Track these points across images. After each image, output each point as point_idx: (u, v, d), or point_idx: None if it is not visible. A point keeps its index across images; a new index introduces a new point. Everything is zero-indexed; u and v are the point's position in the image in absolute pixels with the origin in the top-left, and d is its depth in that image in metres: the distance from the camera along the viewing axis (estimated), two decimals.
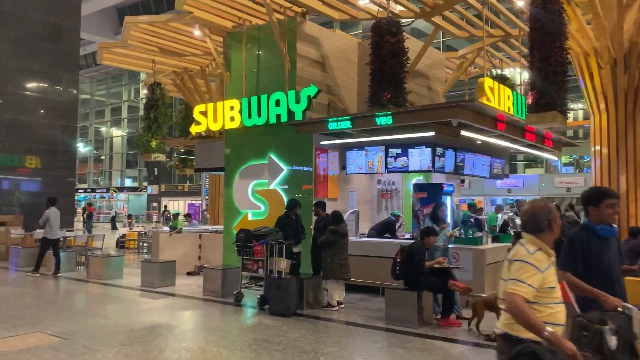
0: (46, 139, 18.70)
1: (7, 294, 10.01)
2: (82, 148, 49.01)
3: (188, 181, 39.60)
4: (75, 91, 20.44)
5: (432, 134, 8.88)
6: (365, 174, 10.64)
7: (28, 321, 7.40)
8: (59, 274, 12.01)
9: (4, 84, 17.78)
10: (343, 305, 8.19)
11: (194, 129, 11.97)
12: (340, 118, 9.50)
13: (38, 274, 12.05)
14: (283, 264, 7.81)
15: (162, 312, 8.35)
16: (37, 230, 12.91)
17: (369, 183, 11.70)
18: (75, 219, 24.64)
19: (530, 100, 8.18)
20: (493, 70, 14.01)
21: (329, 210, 8.86)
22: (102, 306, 8.85)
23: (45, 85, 19.08)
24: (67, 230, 15.56)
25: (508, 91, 9.63)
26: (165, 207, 35.65)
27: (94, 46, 38.90)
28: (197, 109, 11.77)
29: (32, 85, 18.67)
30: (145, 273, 10.58)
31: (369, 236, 10.32)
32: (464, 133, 9.24)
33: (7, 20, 17.88)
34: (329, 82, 11.10)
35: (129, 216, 29.67)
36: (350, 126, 9.31)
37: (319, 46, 11.01)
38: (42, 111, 18.87)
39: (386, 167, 10.00)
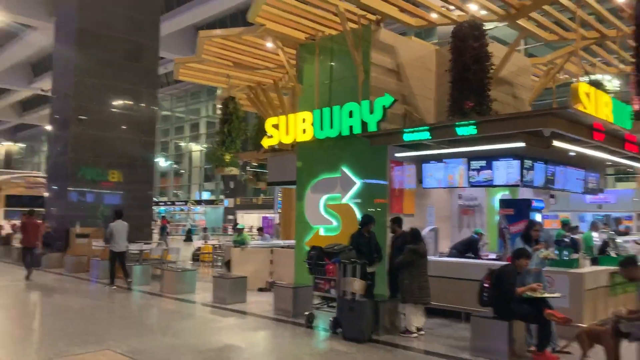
0: (127, 153, 19.29)
1: (83, 307, 10.16)
2: (163, 162, 50.99)
3: (262, 194, 40.01)
4: (155, 108, 21.06)
5: (522, 144, 8.07)
6: (444, 188, 9.95)
7: (99, 337, 7.33)
8: (131, 285, 12.17)
9: (89, 101, 18.57)
10: (423, 332, 7.53)
11: (265, 142, 11.78)
12: (417, 129, 8.89)
13: (115, 286, 12.26)
14: (357, 285, 7.29)
15: (231, 332, 8.07)
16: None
17: (449, 198, 10.96)
18: (154, 232, 25.40)
19: (636, 107, 7.21)
20: (586, 77, 12.87)
21: (405, 227, 8.29)
22: (172, 323, 8.70)
23: (127, 102, 19.75)
24: (144, 243, 15.89)
25: (606, 97, 8.63)
26: (235, 219, 36.13)
27: (173, 65, 40.44)
28: (269, 122, 11.57)
29: (114, 102, 19.38)
30: (216, 289, 10.42)
31: (449, 256, 9.59)
32: (556, 144, 8.37)
33: (92, 40, 18.71)
34: (404, 92, 10.54)
35: (205, 229, 30.19)
36: (429, 137, 8.68)
37: (394, 54, 10.50)
38: (123, 127, 19.51)
39: (468, 180, 9.26)
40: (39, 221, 15.22)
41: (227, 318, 9.06)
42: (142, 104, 20.15)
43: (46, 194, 20.04)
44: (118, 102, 19.45)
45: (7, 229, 22.67)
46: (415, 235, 7.62)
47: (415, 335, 7.42)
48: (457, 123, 8.44)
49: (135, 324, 8.53)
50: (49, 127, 21.51)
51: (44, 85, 42.87)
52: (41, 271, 15.84)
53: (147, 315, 9.67)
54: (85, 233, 16.91)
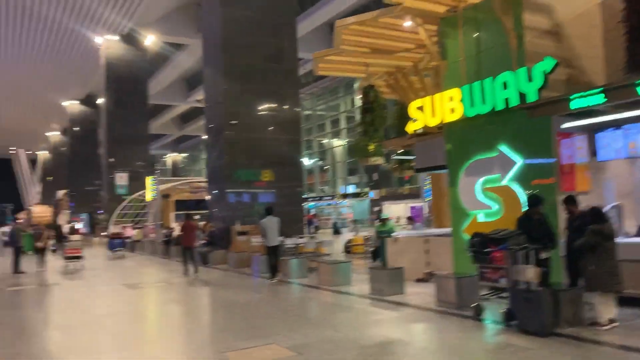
0: (276, 153, 20.07)
1: (247, 301, 10.57)
2: (308, 161, 52.66)
3: (407, 184, 39.36)
4: (297, 107, 21.62)
5: None
6: (625, 158, 8.60)
7: (264, 331, 7.45)
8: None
9: (238, 106, 19.60)
10: (616, 324, 6.50)
11: (410, 127, 11.26)
12: (588, 92, 7.74)
13: (275, 280, 12.66)
14: (531, 273, 6.50)
15: (393, 325, 7.74)
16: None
17: (631, 170, 9.48)
18: (307, 226, 26.23)
19: None
20: None
21: (581, 206, 7.27)
22: (332, 316, 8.63)
23: (272, 104, 20.53)
24: (298, 237, 16.31)
25: None
26: (379, 210, 35.84)
27: (310, 65, 41.41)
28: (413, 105, 11.02)
29: (261, 105, 20.24)
30: (373, 280, 10.17)
31: (639, 235, 8.27)
32: None
33: (236, 48, 19.73)
34: (566, 54, 9.30)
35: (355, 221, 30.41)
36: (604, 100, 7.50)
37: (551, 14, 9.33)
38: (270, 128, 20.31)
39: None
40: (198, 223, 16.36)
41: (387, 310, 8.76)
42: (286, 105, 20.80)
43: (208, 197, 21.60)
44: (264, 105, 20.28)
45: (177, 231, 24.86)
46: (597, 214, 6.61)
47: (606, 327, 6.42)
48: (638, 81, 7.18)
49: (297, 317, 8.60)
50: (205, 136, 23.18)
51: (198, 96, 46.78)
52: (208, 268, 17.03)
53: (307, 308, 9.75)
54: (244, 230, 17.86)
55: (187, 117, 65.38)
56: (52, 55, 41.25)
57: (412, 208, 32.74)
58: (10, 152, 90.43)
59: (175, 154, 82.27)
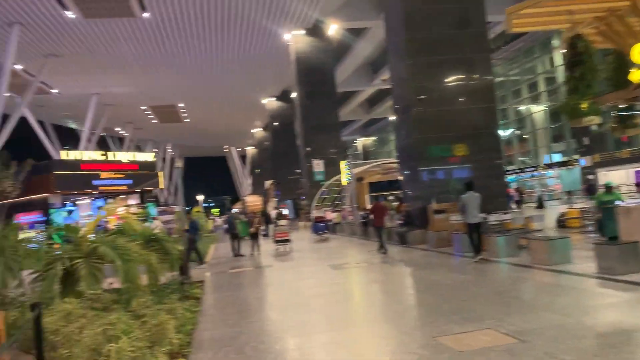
0: (469, 125, 18.83)
1: (452, 282, 10.00)
2: (504, 131, 49.25)
3: (626, 146, 34.22)
4: (489, 74, 20.02)
5: None
6: None
7: (476, 314, 6.83)
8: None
9: (425, 80, 18.80)
10: None
11: (635, 76, 9.47)
12: None
13: (478, 259, 11.85)
14: None
15: (634, 309, 6.51)
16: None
17: None
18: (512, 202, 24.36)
19: None
20: None
21: None
22: (553, 299, 7.60)
23: (461, 73, 19.31)
24: (503, 213, 15.13)
25: None
26: (590, 180, 31.62)
27: (499, 27, 38.38)
28: (637, 49, 9.24)
29: (449, 75, 19.17)
30: (600, 257, 8.79)
31: None
32: None
33: (420, 19, 18.90)
34: None
35: (569, 192, 27.48)
36: None
37: None
38: (461, 99, 19.13)
39: None
40: (391, 204, 16.15)
41: (621, 292, 7.46)
42: (476, 73, 19.41)
43: (400, 177, 21.34)
44: (452, 75, 19.18)
45: None
46: None
47: None
48: None
49: (511, 300, 7.79)
50: (392, 118, 22.96)
51: (383, 77, 46.92)
52: (407, 247, 16.81)
53: (521, 290, 8.82)
54: (441, 209, 17.19)
55: (373, 101, 66.21)
56: (252, 56, 44.95)
57: (637, 173, 28.22)
58: (224, 150, 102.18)
59: (364, 138, 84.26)
